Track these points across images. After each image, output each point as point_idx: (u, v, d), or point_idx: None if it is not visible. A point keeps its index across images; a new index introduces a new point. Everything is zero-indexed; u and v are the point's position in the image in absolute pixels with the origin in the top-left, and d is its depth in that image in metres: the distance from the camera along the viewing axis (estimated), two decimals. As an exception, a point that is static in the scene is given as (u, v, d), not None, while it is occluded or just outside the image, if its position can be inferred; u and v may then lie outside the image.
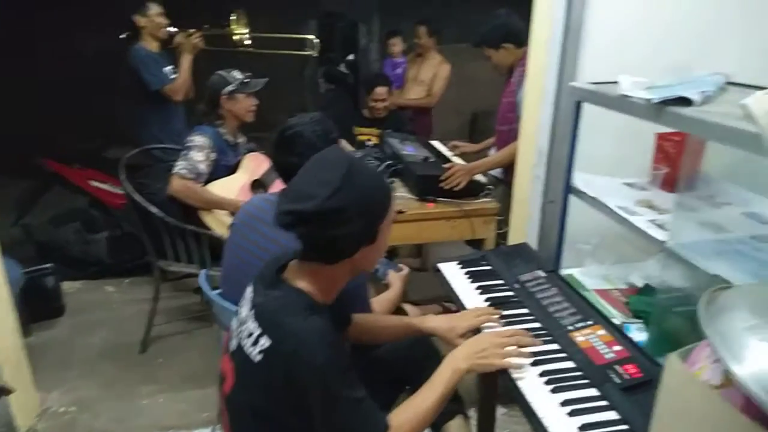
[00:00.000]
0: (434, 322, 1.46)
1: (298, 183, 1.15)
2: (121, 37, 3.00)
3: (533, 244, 2.03)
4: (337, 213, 1.08)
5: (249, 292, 1.22)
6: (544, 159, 2.01)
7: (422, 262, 3.45)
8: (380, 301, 1.82)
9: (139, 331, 2.73)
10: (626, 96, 1.30)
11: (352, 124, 3.80)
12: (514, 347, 1.28)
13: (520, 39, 2.24)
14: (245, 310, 1.19)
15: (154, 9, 2.96)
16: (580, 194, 1.60)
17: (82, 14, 4.34)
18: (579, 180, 1.64)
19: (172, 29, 2.99)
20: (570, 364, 1.29)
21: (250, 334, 1.13)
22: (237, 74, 2.50)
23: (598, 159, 1.90)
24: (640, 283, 1.64)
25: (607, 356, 1.28)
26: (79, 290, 3.29)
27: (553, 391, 1.21)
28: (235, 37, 3.00)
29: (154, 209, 2.38)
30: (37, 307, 2.80)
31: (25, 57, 4.78)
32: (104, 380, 2.51)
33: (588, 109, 1.55)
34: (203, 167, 2.39)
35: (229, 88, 2.46)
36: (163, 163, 2.76)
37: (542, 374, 1.25)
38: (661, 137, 1.59)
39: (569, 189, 1.64)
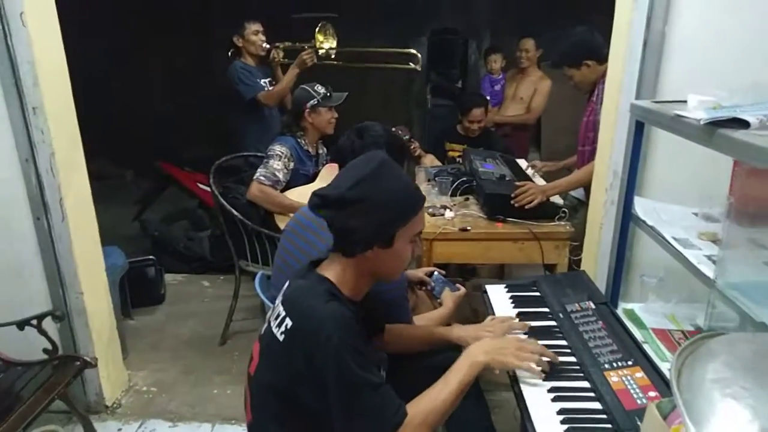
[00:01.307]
0: (461, 331, 1.48)
1: (338, 176, 1.26)
2: (230, 54, 3.28)
3: (603, 272, 1.89)
4: (355, 203, 1.15)
5: (285, 286, 1.30)
6: (618, 182, 1.87)
7: (502, 283, 3.33)
8: (428, 318, 1.79)
9: (222, 324, 2.92)
10: (679, 116, 1.18)
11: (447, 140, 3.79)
12: (535, 355, 1.26)
13: (602, 54, 2.11)
14: (278, 299, 1.26)
15: (250, 28, 3.19)
16: (638, 222, 1.47)
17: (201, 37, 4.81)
18: (640, 207, 1.50)
19: (266, 45, 3.19)
20: (596, 405, 1.19)
21: (278, 317, 1.20)
22: (320, 88, 2.61)
23: (675, 185, 1.74)
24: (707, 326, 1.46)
25: (639, 401, 1.17)
26: (180, 282, 3.61)
27: (568, 431, 1.12)
28: (320, 51, 3.11)
29: (234, 211, 2.55)
30: (139, 293, 3.11)
31: (150, 75, 5.40)
32: (185, 367, 2.72)
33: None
34: (281, 175, 2.53)
35: (312, 101, 2.58)
36: (254, 169, 2.94)
37: (560, 411, 1.17)
38: (738, 163, 1.41)
39: (629, 216, 1.51)
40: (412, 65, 3.74)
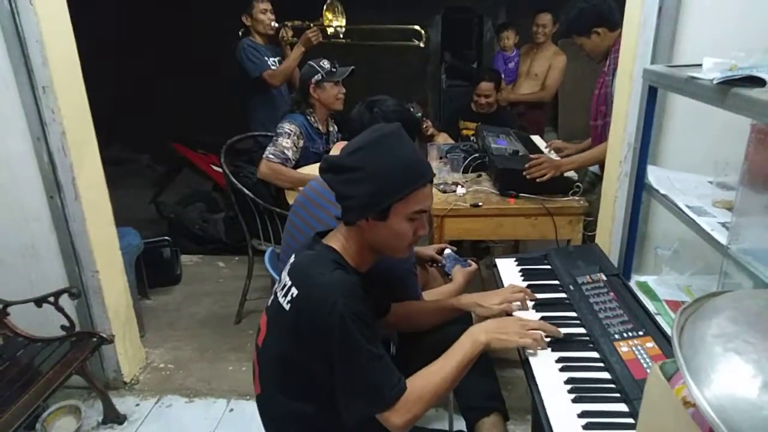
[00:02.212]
0: (469, 298, 1.47)
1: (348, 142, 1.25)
2: (240, 33, 3.26)
3: (617, 246, 1.85)
4: (350, 170, 1.15)
5: (292, 257, 1.30)
6: (632, 154, 1.83)
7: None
8: (438, 293, 1.78)
9: (237, 303, 2.95)
10: (693, 78, 1.14)
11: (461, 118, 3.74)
12: (538, 331, 1.25)
13: (614, 20, 2.02)
14: (285, 271, 1.26)
15: (258, 6, 3.15)
16: (651, 191, 1.43)
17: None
18: (654, 176, 1.47)
19: (275, 24, 3.16)
20: (604, 375, 1.18)
21: (284, 287, 1.20)
22: (325, 63, 2.58)
23: (692, 156, 1.69)
24: (723, 298, 1.42)
25: (649, 371, 1.14)
26: (196, 263, 3.64)
27: (575, 400, 1.11)
28: (329, 30, 3.06)
29: (245, 190, 2.56)
30: (155, 274, 3.15)
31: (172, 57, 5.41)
32: (201, 344, 2.76)
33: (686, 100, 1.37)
34: (290, 153, 2.52)
35: (316, 77, 2.55)
36: (264, 149, 2.93)
37: (568, 381, 1.15)
38: (754, 127, 1.36)
39: (641, 185, 1.48)
40: (416, 42, 3.63)
